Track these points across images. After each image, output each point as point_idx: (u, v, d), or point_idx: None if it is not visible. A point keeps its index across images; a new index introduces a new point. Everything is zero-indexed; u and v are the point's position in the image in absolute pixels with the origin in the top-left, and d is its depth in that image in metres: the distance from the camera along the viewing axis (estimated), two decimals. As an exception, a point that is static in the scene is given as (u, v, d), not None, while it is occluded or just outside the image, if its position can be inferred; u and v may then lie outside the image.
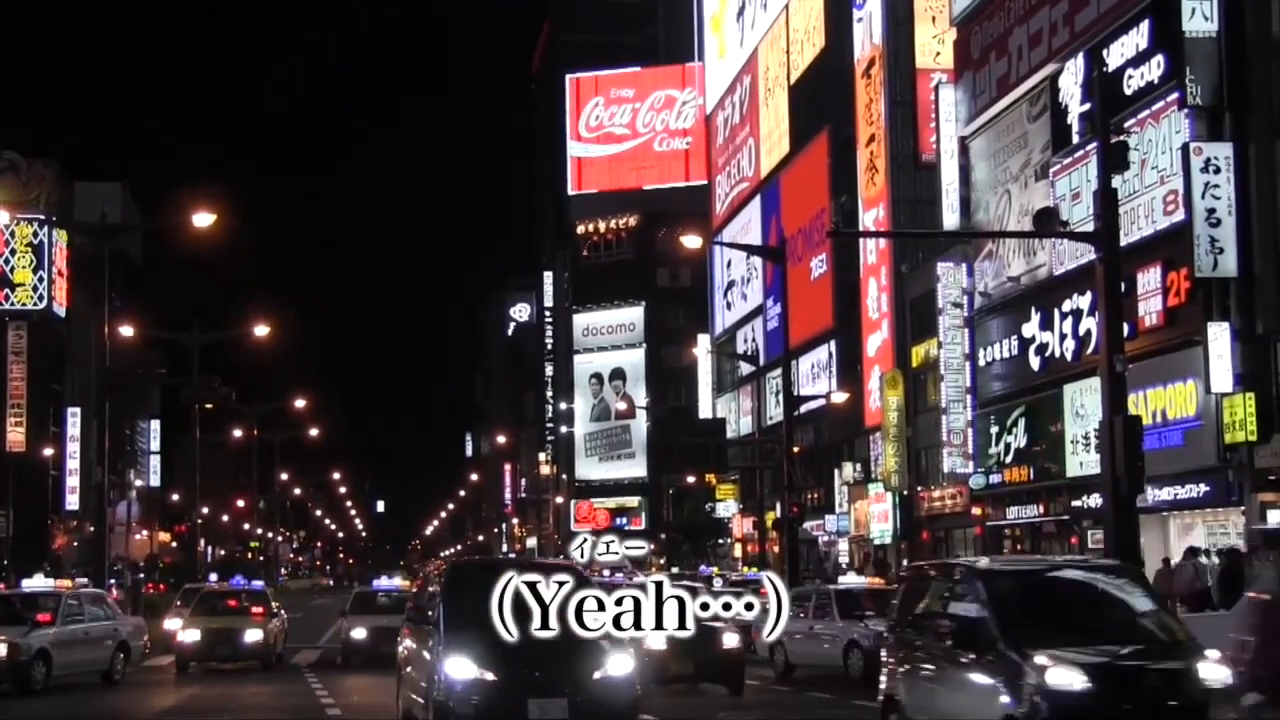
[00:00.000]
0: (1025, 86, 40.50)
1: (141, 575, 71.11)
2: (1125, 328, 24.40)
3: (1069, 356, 38.10)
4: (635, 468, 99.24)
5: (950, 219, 45.30)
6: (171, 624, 30.74)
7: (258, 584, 31.83)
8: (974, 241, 44.17)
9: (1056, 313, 38.69)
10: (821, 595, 26.34)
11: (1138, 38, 34.37)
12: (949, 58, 47.33)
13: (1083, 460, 37.08)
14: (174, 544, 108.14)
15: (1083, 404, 37.22)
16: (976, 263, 44.32)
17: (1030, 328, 40.48)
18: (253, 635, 27.26)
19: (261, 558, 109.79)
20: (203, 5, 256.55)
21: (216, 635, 27.19)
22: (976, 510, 45.19)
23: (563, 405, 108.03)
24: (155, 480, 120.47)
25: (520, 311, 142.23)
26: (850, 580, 28.98)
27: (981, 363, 44.18)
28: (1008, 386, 42.55)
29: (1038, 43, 39.53)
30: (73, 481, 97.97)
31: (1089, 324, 35.58)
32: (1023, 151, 41.05)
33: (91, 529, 53.99)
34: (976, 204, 44.32)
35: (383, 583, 34.76)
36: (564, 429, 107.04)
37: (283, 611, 30.61)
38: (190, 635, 27.10)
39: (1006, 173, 42.09)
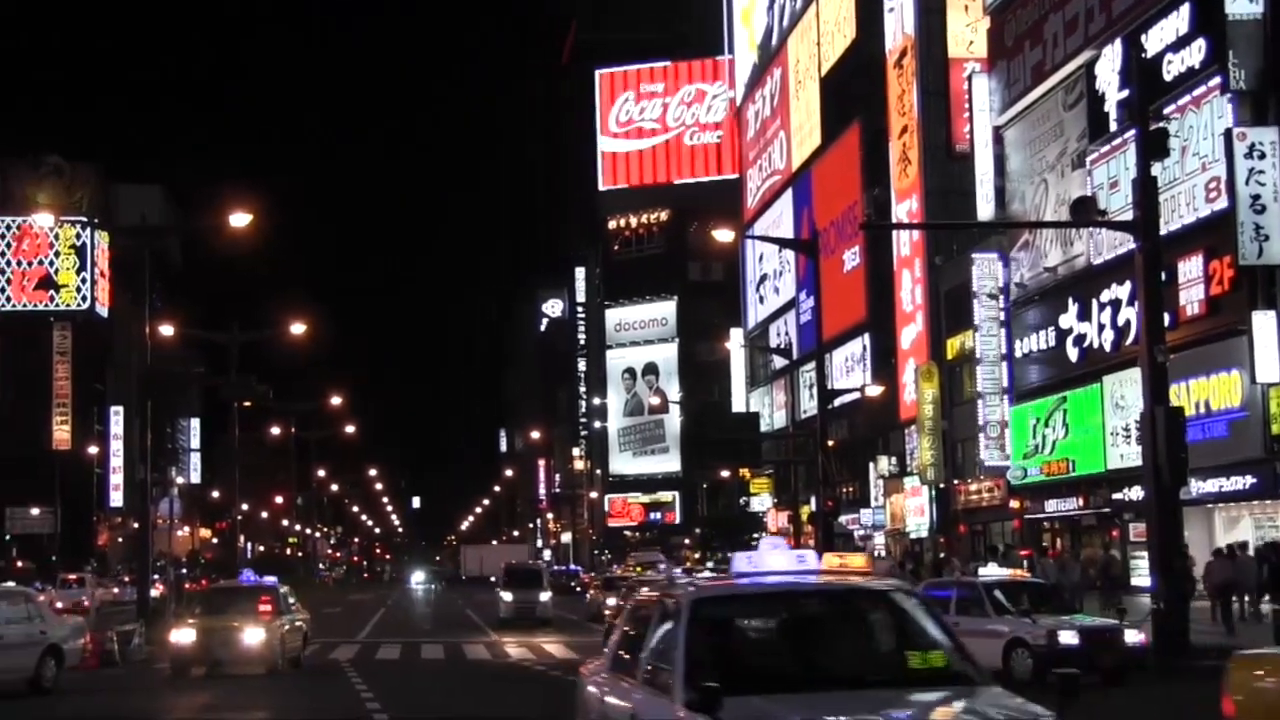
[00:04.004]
0: (1061, 74, 40.33)
1: (184, 571, 71.65)
2: (1166, 317, 24.26)
3: (1108, 347, 37.94)
4: (669, 462, 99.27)
5: (985, 210, 45.15)
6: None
7: (269, 580, 28.20)
8: (1009, 232, 44.01)
9: (1095, 303, 38.53)
10: (967, 589, 23.61)
11: (1178, 22, 34.16)
12: (982, 46, 47.14)
13: (1123, 452, 36.94)
14: (215, 540, 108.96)
15: (1123, 395, 37.06)
16: (1012, 253, 44.16)
17: (1068, 318, 40.32)
18: (254, 636, 23.93)
19: (300, 553, 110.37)
20: (234, 7, 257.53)
21: (213, 636, 23.98)
22: (1014, 503, 45.07)
23: (596, 400, 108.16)
24: (196, 477, 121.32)
25: (552, 307, 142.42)
26: (992, 572, 25.61)
27: (1018, 354, 44.03)
28: (1045, 378, 42.40)
29: (1073, 29, 39.34)
30: (116, 479, 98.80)
31: (1128, 314, 35.42)
32: (1059, 140, 40.89)
33: (135, 526, 54.36)
34: (1012, 194, 44.16)
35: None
36: (597, 424, 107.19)
37: (299, 610, 27.30)
38: (184, 636, 24.07)
39: (1042, 162, 41.93)
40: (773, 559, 8.80)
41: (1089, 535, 41.09)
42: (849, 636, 8.74)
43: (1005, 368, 44.64)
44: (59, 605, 45.91)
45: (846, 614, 8.84)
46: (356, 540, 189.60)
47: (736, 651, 8.65)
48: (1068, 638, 20.80)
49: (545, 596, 42.23)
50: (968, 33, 49.43)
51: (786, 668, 8.33)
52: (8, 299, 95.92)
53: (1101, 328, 38.33)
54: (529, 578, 43.72)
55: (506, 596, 41.99)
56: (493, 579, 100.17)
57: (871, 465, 59.25)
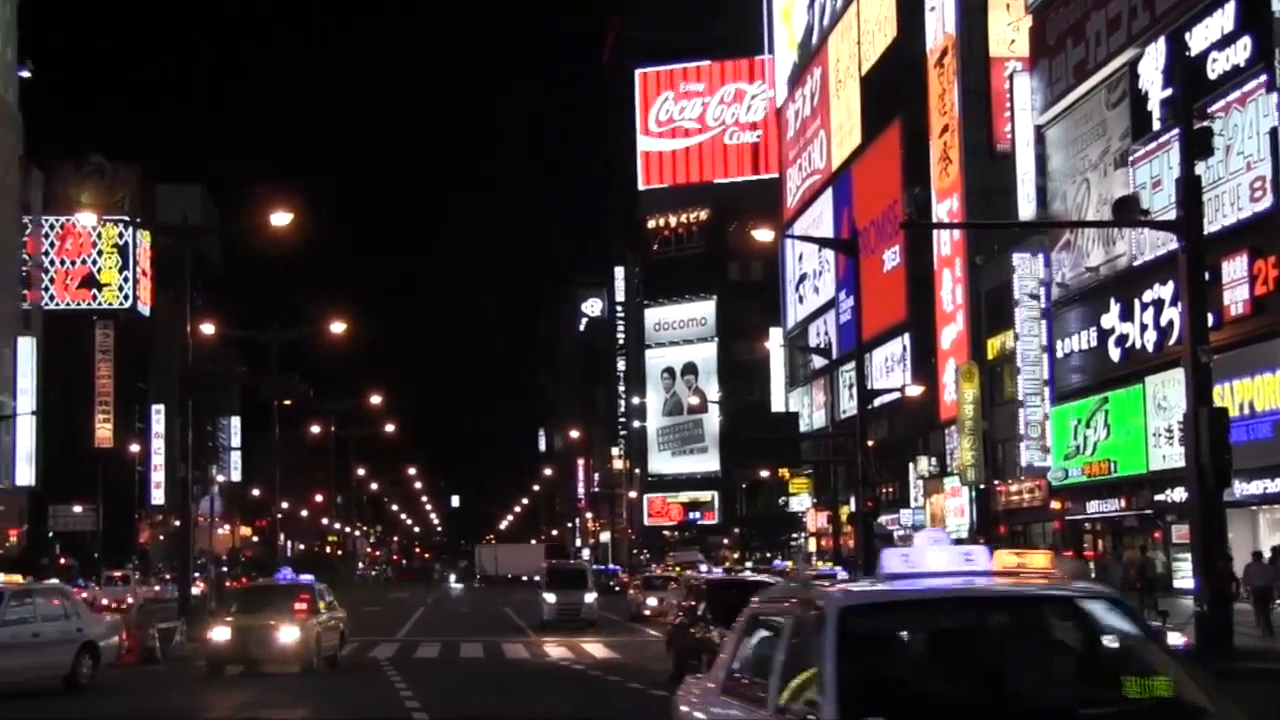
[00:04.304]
0: (1104, 73, 40.06)
1: (224, 569, 72.06)
2: (1210, 318, 24.06)
3: (1150, 348, 37.66)
4: (708, 462, 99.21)
5: (1026, 209, 44.90)
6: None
7: (306, 578, 28.21)
8: (1051, 232, 43.76)
9: (1137, 303, 38.25)
10: None
11: (1223, 20, 33.88)
12: (1023, 45, 46.89)
13: (1166, 453, 36.65)
14: (255, 538, 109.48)
15: (1165, 396, 36.77)
16: (1054, 253, 43.91)
17: (1110, 318, 40.04)
18: (289, 635, 23.87)
19: (339, 552, 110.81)
20: (273, 8, 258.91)
21: (248, 634, 23.98)
22: (1055, 504, 44.77)
23: (635, 400, 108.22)
24: (236, 476, 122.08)
25: (591, 307, 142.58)
26: None
27: (1059, 354, 43.76)
28: (1087, 378, 42.12)
29: (1116, 27, 39.07)
30: (157, 477, 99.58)
31: (1171, 314, 35.15)
32: (1101, 139, 40.61)
33: (176, 523, 54.69)
34: (1053, 193, 43.91)
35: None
36: (636, 424, 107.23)
37: (336, 609, 27.14)
38: (220, 634, 24.14)
39: (1084, 161, 41.65)
40: (933, 557, 7.11)
41: (1131, 537, 40.78)
42: (1043, 656, 7.06)
43: (1046, 368, 44.39)
44: (104, 601, 46.31)
45: (1037, 627, 7.15)
46: (396, 539, 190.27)
47: (900, 675, 6.85)
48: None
49: (590, 598, 40.09)
50: (1009, 31, 49.18)
51: (967, 696, 6.60)
52: (51, 298, 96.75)
53: (1144, 328, 38.05)
54: (573, 578, 41.51)
55: (550, 598, 39.84)
56: (509, 576, 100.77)
57: (911, 465, 59.03)
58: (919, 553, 7.18)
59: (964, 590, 6.99)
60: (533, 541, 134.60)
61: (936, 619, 7.04)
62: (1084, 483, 42.70)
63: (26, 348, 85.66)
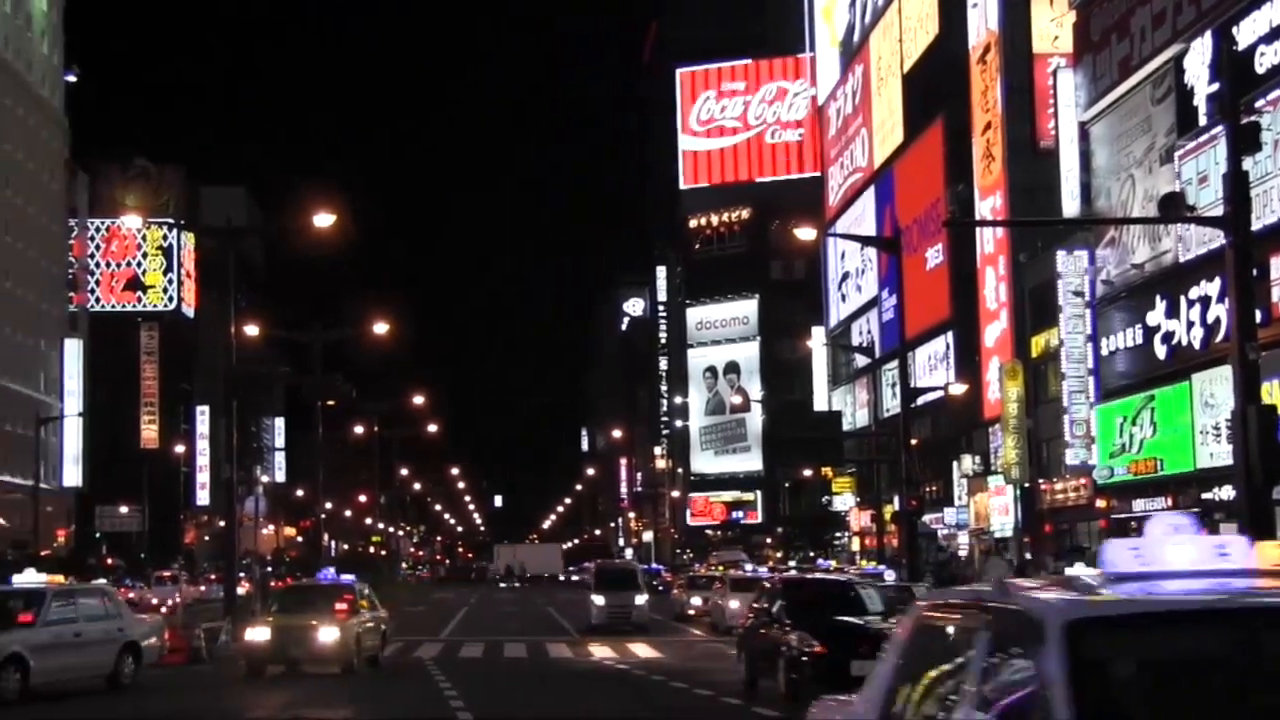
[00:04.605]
0: (1149, 68, 39.72)
1: (269, 569, 72.39)
2: (1258, 314, 23.80)
3: (1197, 345, 37.32)
4: (751, 461, 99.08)
5: (1070, 206, 44.60)
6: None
7: (347, 578, 28.14)
8: (1095, 229, 43.44)
9: (1183, 300, 37.92)
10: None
11: (1271, 13, 33.54)
12: (1067, 41, 46.57)
13: (1213, 451, 36.31)
14: (299, 538, 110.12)
15: (1212, 394, 36.42)
16: (1098, 250, 43.59)
17: (1155, 316, 39.70)
18: (328, 635, 23.70)
19: (383, 552, 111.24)
20: (312, 10, 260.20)
21: (287, 634, 23.80)
22: (1101, 502, 44.47)
23: (677, 399, 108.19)
24: (281, 476, 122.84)
25: (634, 306, 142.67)
26: (1079, 571, 25.06)
27: (1104, 352, 43.43)
28: (1132, 376, 41.77)
29: (1161, 22, 38.74)
30: (203, 478, 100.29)
31: (1218, 311, 34.81)
32: (1146, 135, 40.28)
33: (221, 524, 55.02)
34: (1098, 190, 43.59)
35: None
36: (679, 423, 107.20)
37: (378, 609, 27.05)
38: (259, 634, 24.07)
39: (1129, 157, 41.33)
40: (1175, 551, 5.34)
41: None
42: None
43: (1091, 366, 44.08)
44: (154, 601, 46.60)
45: None
46: (440, 539, 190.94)
47: (1147, 715, 4.90)
48: None
49: (641, 600, 37.72)
50: (1052, 27, 48.87)
51: None
52: (97, 300, 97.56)
53: (1190, 325, 37.71)
54: (623, 578, 38.97)
55: (598, 600, 37.53)
56: (527, 576, 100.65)
57: (955, 464, 58.79)
58: (1155, 545, 5.42)
59: (1229, 600, 5.16)
60: (576, 540, 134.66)
61: (1195, 638, 5.05)
62: (1130, 481, 42.36)
63: (73, 350, 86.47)
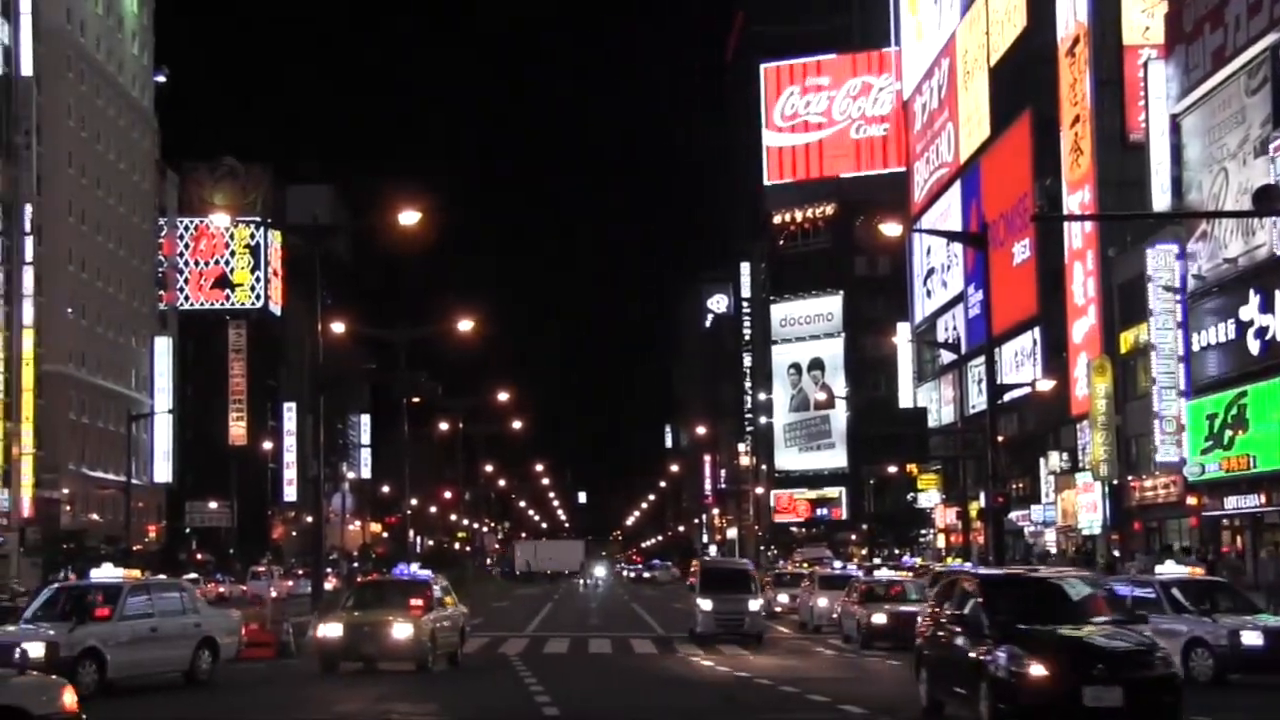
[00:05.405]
0: (1243, 58, 39.01)
1: (355, 565, 73.05)
2: (1355, 309, 23.33)
3: (1292, 340, 36.64)
4: (835, 458, 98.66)
5: (1161, 200, 43.92)
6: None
7: (424, 574, 27.53)
8: (1186, 223, 42.73)
9: (1278, 294, 37.24)
10: (1144, 587, 22.26)
11: (1370, 2, 32.83)
12: (1158, 32, 45.87)
13: (1308, 447, 35.63)
14: (385, 534, 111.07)
15: (1307, 389, 35.75)
16: (1189, 244, 42.89)
17: (1249, 310, 39.01)
18: (402, 631, 23.26)
19: (468, 548, 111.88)
20: (398, 8, 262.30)
21: (360, 631, 23.42)
22: (1192, 500, 43.78)
23: (761, 396, 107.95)
24: (366, 473, 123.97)
25: (717, 303, 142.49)
26: (1169, 569, 24.03)
27: (1196, 347, 42.74)
28: (1225, 372, 41.08)
29: (1257, 11, 38.04)
30: (290, 474, 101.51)
31: (1313, 305, 34.14)
32: (1240, 127, 39.56)
33: (308, 520, 55.60)
34: (1189, 183, 42.90)
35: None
36: (763, 419, 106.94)
37: (457, 605, 26.46)
38: (332, 630, 23.61)
39: (1222, 150, 40.63)
40: None
41: (1272, 533, 39.73)
42: None
43: (1182, 361, 43.39)
44: (254, 594, 47.03)
45: None
46: (524, 535, 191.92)
47: None
48: (1251, 638, 19.98)
49: (756, 605, 32.29)
50: (1143, 18, 48.21)
51: None
52: (186, 298, 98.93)
53: (1285, 320, 37.01)
54: (734, 580, 33.27)
55: (705, 605, 32.24)
56: (549, 572, 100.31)
57: (1042, 461, 58.17)
58: None
59: None
60: (659, 537, 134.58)
61: None
62: (1222, 478, 41.67)
63: (163, 347, 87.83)
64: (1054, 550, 55.21)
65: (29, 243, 66.24)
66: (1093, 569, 38.51)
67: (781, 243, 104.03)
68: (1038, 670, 13.97)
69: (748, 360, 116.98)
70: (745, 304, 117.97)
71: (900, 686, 19.77)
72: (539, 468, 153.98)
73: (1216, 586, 23.21)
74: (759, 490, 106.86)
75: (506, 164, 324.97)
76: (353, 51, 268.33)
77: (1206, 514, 43.29)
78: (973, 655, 14.96)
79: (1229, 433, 40.92)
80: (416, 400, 61.90)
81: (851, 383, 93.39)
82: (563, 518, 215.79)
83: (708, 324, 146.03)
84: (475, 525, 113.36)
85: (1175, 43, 43.57)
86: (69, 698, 10.92)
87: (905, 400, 78.50)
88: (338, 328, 53.75)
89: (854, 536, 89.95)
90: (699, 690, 21.42)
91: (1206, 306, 42.05)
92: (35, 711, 10.52)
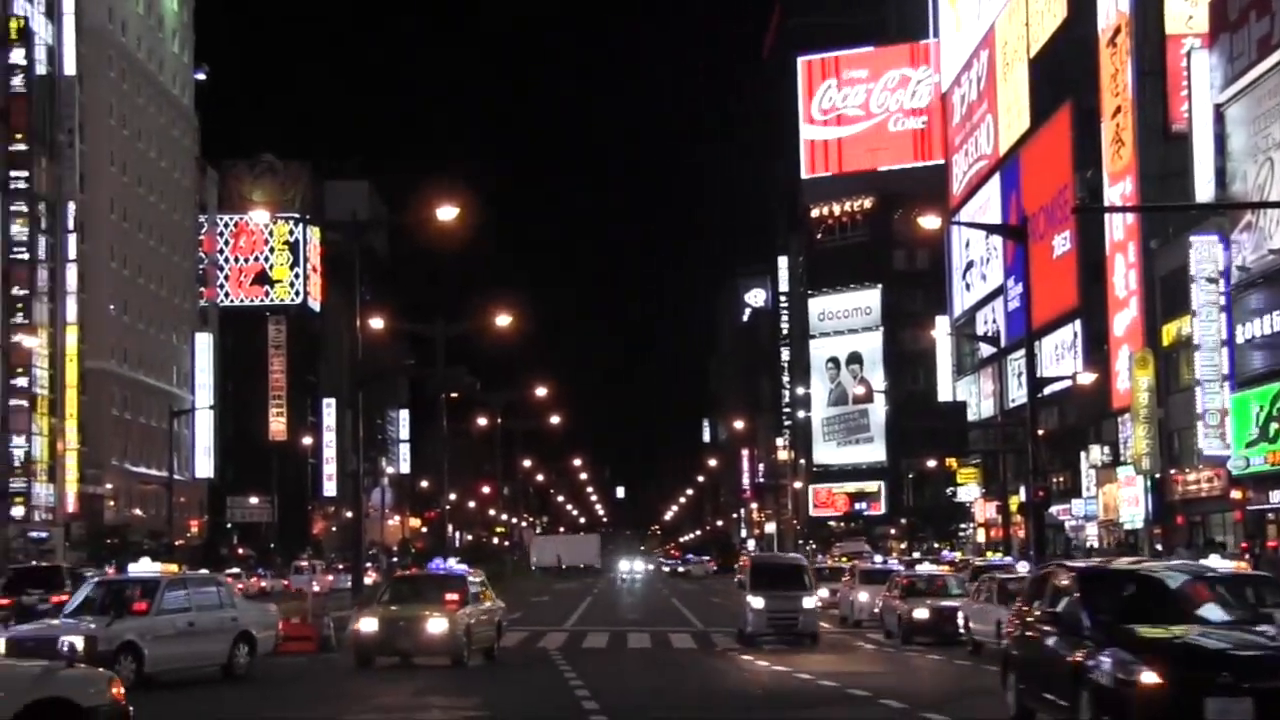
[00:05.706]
0: (1288, 47, 38.59)
1: (395, 560, 73.24)
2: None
3: (1338, 331, 36.24)
4: (874, 452, 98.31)
5: (1204, 191, 43.48)
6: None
7: (459, 569, 27.22)
8: (1230, 213, 42.32)
9: (1323, 285, 36.85)
10: None
11: None
12: (1202, 21, 45.43)
13: (1355, 440, 35.23)
14: (424, 529, 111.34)
15: (1353, 381, 35.34)
16: (1233, 235, 42.47)
17: (1294, 302, 38.61)
18: (437, 626, 23.11)
19: (507, 542, 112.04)
20: (434, 5, 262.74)
21: (395, 625, 23.33)
22: (1236, 494, 43.36)
23: (799, 390, 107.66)
24: (405, 468, 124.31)
25: (755, 297, 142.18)
26: (1215, 564, 22.39)
27: (1240, 340, 42.32)
28: (1270, 364, 40.67)
29: (1304, -2, 37.63)
30: (330, 469, 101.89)
31: (1360, 297, 33.75)
32: (1285, 117, 39.13)
33: (348, 514, 55.76)
34: (1233, 174, 42.46)
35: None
36: (801, 414, 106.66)
37: (493, 600, 26.25)
38: (367, 625, 23.47)
39: (1268, 139, 40.19)
40: None
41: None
42: None
43: (1226, 354, 42.98)
44: (298, 588, 47.09)
45: None
46: (562, 530, 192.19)
47: None
48: None
49: (810, 602, 29.37)
50: (1186, 7, 47.79)
51: None
52: (226, 295, 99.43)
53: (1331, 311, 36.61)
54: (787, 576, 30.37)
55: (756, 603, 29.35)
56: (564, 567, 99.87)
57: (1083, 455, 57.78)
58: None
59: None
60: (697, 531, 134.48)
61: None
62: (1267, 471, 41.26)
63: (204, 343, 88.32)
64: (1095, 544, 54.87)
65: (72, 240, 66.78)
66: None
67: (819, 236, 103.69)
68: (1150, 678, 12.09)
69: (785, 354, 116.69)
70: (783, 298, 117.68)
71: (950, 682, 19.83)
72: (577, 462, 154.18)
73: (1262, 581, 22.91)
74: (797, 485, 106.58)
75: (545, 160, 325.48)
76: (357, 51, 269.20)
77: (1251, 508, 42.88)
78: (1070, 659, 13.16)
79: (1275, 426, 40.51)
80: (455, 395, 61.97)
81: (890, 377, 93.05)
82: (601, 512, 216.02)
83: (745, 318, 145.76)
84: (514, 520, 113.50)
85: (1220, 31, 43.13)
86: (116, 689, 10.98)
87: (944, 394, 78.17)
88: (376, 323, 53.84)
89: (893, 531, 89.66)
90: (739, 685, 21.29)
91: (1251, 298, 41.64)
92: (83, 704, 10.57)
